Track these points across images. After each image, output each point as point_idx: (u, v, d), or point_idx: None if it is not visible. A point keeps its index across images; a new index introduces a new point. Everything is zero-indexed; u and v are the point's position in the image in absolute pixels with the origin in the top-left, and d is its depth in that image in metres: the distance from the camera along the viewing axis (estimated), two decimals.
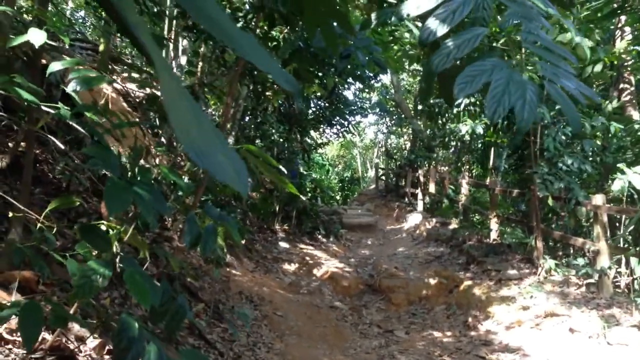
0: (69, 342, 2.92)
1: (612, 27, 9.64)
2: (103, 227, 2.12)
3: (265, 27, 5.46)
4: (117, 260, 1.85)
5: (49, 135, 2.17)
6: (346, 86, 15.03)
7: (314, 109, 15.46)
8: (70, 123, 2.15)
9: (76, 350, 2.82)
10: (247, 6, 6.20)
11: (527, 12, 1.59)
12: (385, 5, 3.35)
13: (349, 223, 14.74)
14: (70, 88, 1.81)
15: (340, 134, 19.20)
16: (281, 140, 12.47)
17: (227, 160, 0.59)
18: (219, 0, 6.44)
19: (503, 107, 1.30)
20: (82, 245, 1.85)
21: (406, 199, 17.84)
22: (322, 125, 16.57)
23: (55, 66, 1.93)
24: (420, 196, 15.93)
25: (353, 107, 18.29)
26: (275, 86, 8.78)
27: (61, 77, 4.63)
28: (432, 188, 15.42)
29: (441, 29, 1.48)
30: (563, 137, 7.85)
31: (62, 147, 2.47)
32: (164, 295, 1.84)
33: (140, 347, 1.65)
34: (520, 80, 1.34)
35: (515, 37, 1.64)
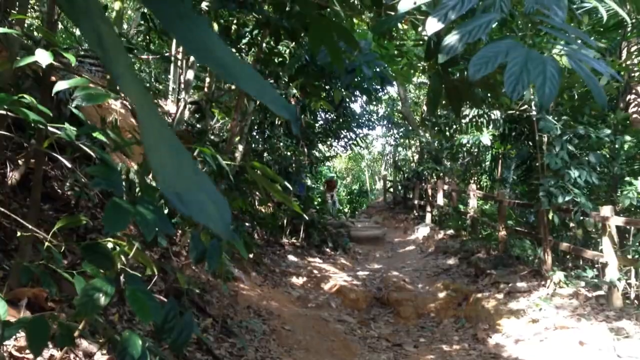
0: (77, 358, 2.95)
1: (618, 38, 9.63)
2: (110, 245, 2.14)
3: (272, 43, 5.51)
4: (122, 277, 1.87)
5: (54, 154, 2.20)
6: (353, 99, 15.09)
7: (321, 122, 15.52)
8: (80, 141, 2.19)
9: None
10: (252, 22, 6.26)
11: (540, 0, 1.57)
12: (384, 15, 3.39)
13: (357, 236, 14.73)
14: (74, 103, 1.85)
15: (348, 147, 19.25)
16: (289, 153, 12.51)
17: (209, 201, 0.60)
18: (227, 15, 6.52)
19: (522, 84, 1.26)
20: (88, 263, 1.87)
21: (414, 211, 17.82)
22: (329, 139, 16.61)
23: (61, 85, 1.97)
24: (428, 208, 15.91)
25: (360, 120, 18.34)
26: None
27: (70, 94, 4.69)
28: (440, 200, 15.39)
29: (448, 18, 1.45)
30: (571, 148, 7.83)
31: (69, 165, 2.50)
32: (170, 312, 1.86)
33: None
34: (539, 57, 1.30)
35: (533, 19, 1.61)
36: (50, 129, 1.82)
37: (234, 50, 6.52)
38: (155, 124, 0.58)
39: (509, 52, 1.28)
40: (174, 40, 9.69)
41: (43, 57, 1.97)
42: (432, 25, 1.44)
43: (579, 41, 1.53)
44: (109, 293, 1.67)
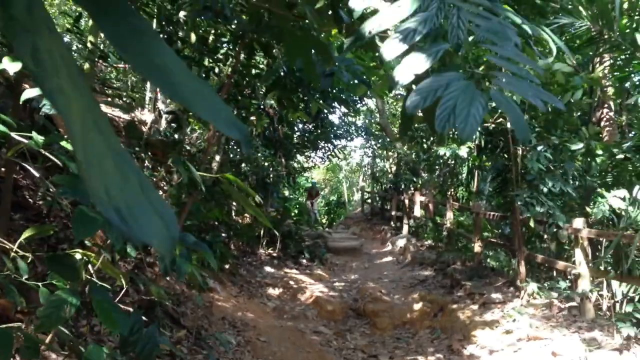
0: None
1: (590, 52, 9.82)
2: (78, 256, 2.12)
3: (246, 55, 5.51)
4: (87, 288, 1.85)
5: (23, 163, 2.17)
6: (332, 110, 15.14)
7: (299, 133, 15.54)
8: (49, 149, 2.16)
9: None
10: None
11: (493, 27, 1.60)
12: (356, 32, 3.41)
13: (335, 247, 14.72)
14: (42, 111, 1.84)
15: (326, 158, 19.29)
16: (267, 164, 12.50)
17: (155, 216, 0.58)
18: (205, 25, 6.51)
19: (453, 119, 1.28)
20: (54, 274, 1.85)
21: (392, 223, 17.89)
22: (308, 149, 16.63)
23: (29, 93, 1.95)
24: (405, 220, 15.98)
25: (339, 131, 18.41)
26: (259, 110, 8.83)
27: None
28: (417, 211, 15.47)
29: (401, 47, 1.47)
30: (545, 160, 7.94)
31: (37, 174, 2.47)
32: (135, 324, 1.84)
33: None
34: (471, 92, 1.32)
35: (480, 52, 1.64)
36: (17, 137, 1.80)
37: (211, 60, 6.51)
38: (97, 140, 0.56)
39: (449, 85, 1.30)
40: None
41: (11, 65, 1.95)
42: (388, 53, 1.46)
43: (525, 70, 1.55)
44: (73, 304, 1.65)
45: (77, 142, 0.54)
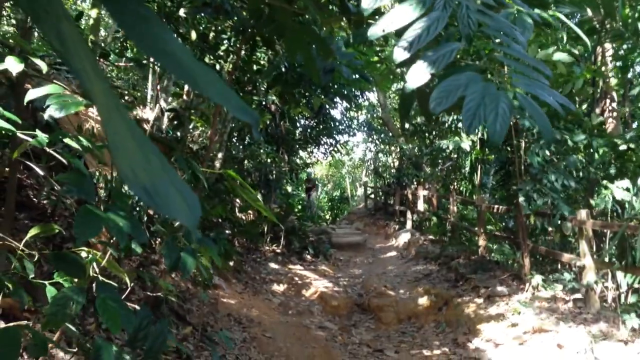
0: None
1: (592, 43, 9.78)
2: (84, 254, 2.12)
3: (249, 50, 5.50)
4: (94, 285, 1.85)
5: (27, 162, 2.18)
6: (333, 105, 15.13)
7: (301, 129, 15.53)
8: (53, 148, 2.16)
9: None
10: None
11: (501, 26, 1.61)
12: (365, 25, 3.40)
13: (338, 242, 14.72)
14: (47, 113, 1.83)
15: (329, 153, 19.28)
16: (269, 160, 12.50)
17: (178, 194, 0.60)
18: (205, 22, 6.51)
19: (479, 119, 1.30)
20: (60, 273, 1.85)
21: (395, 218, 17.88)
22: (310, 145, 16.62)
23: (33, 93, 1.95)
24: (409, 214, 15.98)
25: (341, 127, 18.40)
26: (261, 107, 8.83)
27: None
28: (420, 206, 15.46)
29: (415, 46, 1.49)
30: (547, 153, 7.93)
31: (42, 173, 2.47)
32: (143, 320, 1.84)
33: None
34: (495, 93, 1.34)
35: (492, 52, 1.65)
36: (21, 136, 1.80)
37: (212, 57, 6.50)
38: (119, 120, 0.58)
39: (468, 86, 1.31)
40: None
41: (13, 64, 1.95)
42: (400, 55, 1.47)
43: (536, 72, 1.56)
44: (79, 302, 1.65)
45: (104, 122, 0.56)
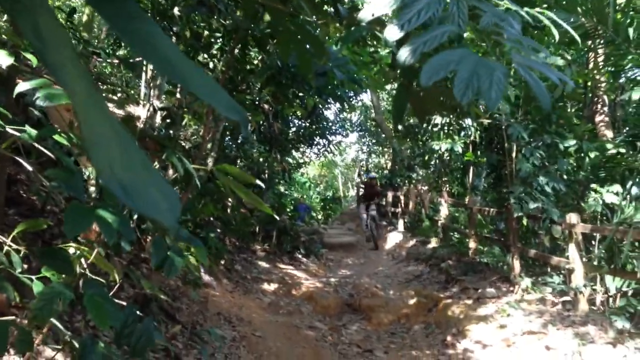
0: None
1: (585, 48, 9.83)
2: (72, 250, 2.12)
3: (239, 49, 5.50)
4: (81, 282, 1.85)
5: (17, 157, 2.17)
6: (327, 106, 15.13)
7: (294, 129, 15.52)
8: (44, 144, 2.16)
9: None
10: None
11: (497, 13, 1.62)
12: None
13: (330, 242, 14.75)
14: (37, 104, 1.83)
15: (322, 154, 19.29)
16: (261, 160, 12.49)
17: (158, 193, 0.60)
18: (199, 21, 6.50)
19: (472, 89, 1.29)
20: (47, 268, 1.85)
21: (387, 218, 17.92)
22: (302, 145, 16.62)
23: (22, 86, 1.95)
24: (400, 215, 16.01)
25: (334, 127, 18.41)
26: (254, 106, 8.81)
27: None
28: (412, 207, 15.50)
29: (406, 28, 1.48)
30: (538, 156, 7.97)
31: (30, 168, 2.47)
32: (129, 317, 1.84)
33: None
34: (489, 64, 1.33)
35: (488, 32, 1.65)
36: (10, 131, 1.80)
37: (205, 56, 6.49)
38: (97, 116, 0.58)
39: (460, 61, 1.31)
40: None
41: (3, 58, 1.94)
42: (392, 34, 1.46)
43: (532, 50, 1.57)
44: (66, 297, 1.65)
45: (81, 118, 0.55)
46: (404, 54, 1.42)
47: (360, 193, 16.80)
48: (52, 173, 1.65)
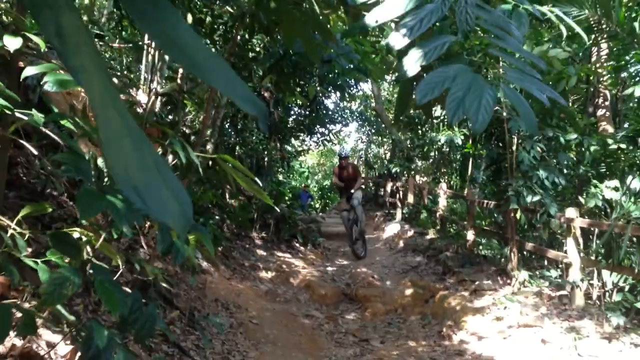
0: (40, 348, 2.90)
1: (588, 42, 9.81)
2: (76, 234, 2.11)
3: (246, 36, 5.47)
4: (88, 267, 1.85)
5: (21, 140, 2.16)
6: (327, 95, 15.10)
7: (294, 117, 15.49)
8: (44, 128, 2.15)
9: (46, 356, 2.80)
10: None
11: (497, 20, 1.62)
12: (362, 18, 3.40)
13: (328, 231, 14.77)
14: (44, 88, 1.82)
15: (321, 142, 19.27)
16: (261, 147, 12.47)
17: (171, 197, 0.58)
18: (201, 6, 6.46)
19: (462, 110, 1.31)
20: (53, 252, 1.84)
21: (385, 209, 17.93)
22: (302, 134, 16.60)
23: (29, 70, 1.93)
24: (398, 206, 16.02)
25: (334, 116, 18.38)
26: (255, 93, 8.78)
27: (38, 81, 4.59)
28: (410, 198, 15.50)
29: (409, 37, 1.49)
30: (538, 150, 7.97)
31: (35, 152, 2.46)
32: (134, 303, 1.84)
33: (109, 355, 1.65)
34: (481, 85, 1.35)
35: (488, 47, 1.66)
36: (17, 114, 1.79)
37: (207, 42, 6.46)
38: (115, 117, 0.56)
39: (456, 78, 1.32)
40: None
41: (11, 41, 1.93)
42: (396, 42, 1.48)
43: (528, 66, 1.57)
44: (75, 283, 1.65)
45: (99, 120, 0.54)
46: (405, 66, 1.44)
47: (336, 182, 12.28)
48: (61, 157, 1.64)
